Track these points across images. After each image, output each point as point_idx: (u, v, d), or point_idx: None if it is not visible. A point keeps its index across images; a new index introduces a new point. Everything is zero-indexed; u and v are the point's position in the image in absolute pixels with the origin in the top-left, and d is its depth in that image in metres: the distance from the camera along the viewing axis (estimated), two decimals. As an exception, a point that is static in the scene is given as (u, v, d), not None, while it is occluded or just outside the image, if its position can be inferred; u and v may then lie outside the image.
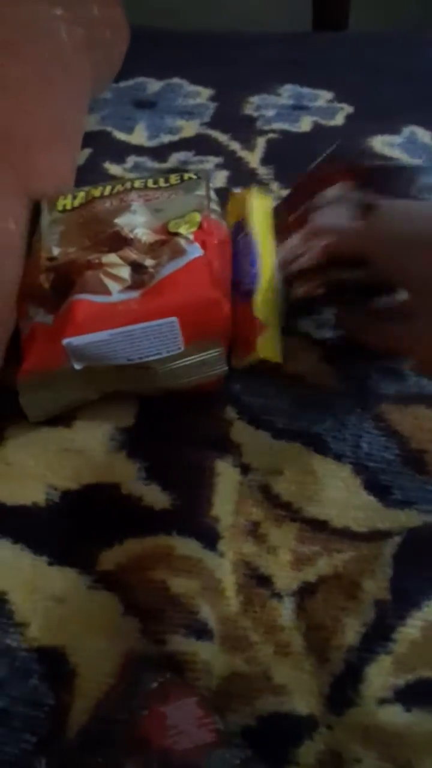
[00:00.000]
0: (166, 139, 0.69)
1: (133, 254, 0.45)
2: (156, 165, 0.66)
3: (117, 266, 0.44)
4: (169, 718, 0.30)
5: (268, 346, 0.44)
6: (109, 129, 0.71)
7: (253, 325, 0.44)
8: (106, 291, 0.42)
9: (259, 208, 0.52)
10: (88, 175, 0.62)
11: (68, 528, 0.40)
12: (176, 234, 0.46)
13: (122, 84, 0.79)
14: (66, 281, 0.45)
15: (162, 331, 0.40)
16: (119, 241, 0.47)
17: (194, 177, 0.52)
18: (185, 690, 0.32)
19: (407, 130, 0.67)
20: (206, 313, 0.41)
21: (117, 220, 0.48)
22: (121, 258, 0.45)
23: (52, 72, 0.59)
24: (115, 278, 0.43)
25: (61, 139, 0.58)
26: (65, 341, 0.40)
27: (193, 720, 0.30)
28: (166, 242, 0.46)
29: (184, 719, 0.30)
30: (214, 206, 0.51)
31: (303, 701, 0.34)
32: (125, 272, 0.44)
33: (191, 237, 0.46)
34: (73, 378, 0.41)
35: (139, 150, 0.68)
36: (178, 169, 0.62)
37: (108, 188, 0.52)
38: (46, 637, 0.36)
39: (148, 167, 0.65)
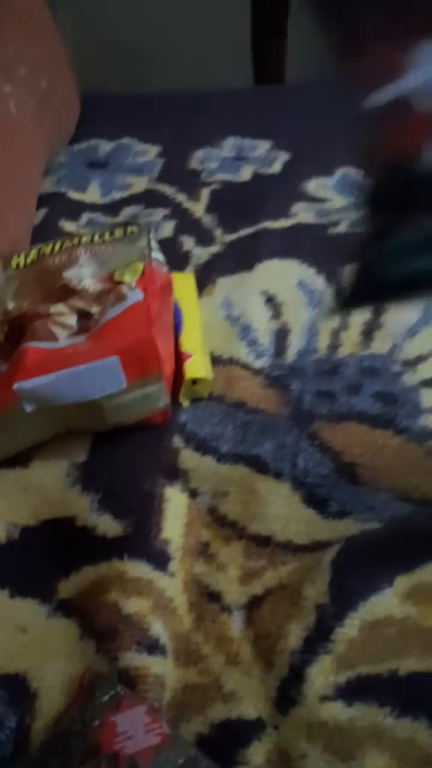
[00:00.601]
0: (118, 195, 0.74)
1: (79, 303, 0.49)
2: (109, 220, 0.70)
3: (64, 315, 0.48)
4: (119, 726, 0.32)
5: (194, 368, 0.49)
6: (63, 190, 0.75)
7: (181, 358, 0.49)
8: (54, 338, 0.46)
9: (178, 282, 0.55)
10: (44, 233, 0.66)
11: (28, 562, 0.42)
12: (120, 282, 0.50)
13: (76, 147, 0.84)
14: (19, 332, 0.48)
15: (104, 370, 0.43)
16: (68, 292, 0.50)
17: (136, 230, 0.56)
18: (135, 700, 0.34)
19: (339, 172, 0.71)
20: (143, 350, 0.44)
21: (66, 273, 0.52)
22: (68, 307, 0.48)
23: (3, 144, 0.63)
24: (63, 326, 0.47)
25: (14, 203, 0.62)
26: (16, 386, 0.43)
27: (142, 726, 0.32)
28: (112, 290, 0.50)
29: (133, 726, 0.32)
30: (156, 255, 0.54)
31: (251, 705, 0.36)
32: (72, 320, 0.47)
33: (134, 284, 0.49)
34: (26, 420, 0.44)
35: (92, 207, 0.72)
36: (126, 223, 0.66)
37: (58, 245, 0.56)
38: (9, 665, 0.38)
39: (101, 222, 0.70)
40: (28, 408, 0.44)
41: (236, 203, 0.69)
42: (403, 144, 0.14)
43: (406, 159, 0.14)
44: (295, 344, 0.53)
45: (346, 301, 0.16)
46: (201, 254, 0.63)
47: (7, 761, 0.34)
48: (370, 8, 0.17)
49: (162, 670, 0.37)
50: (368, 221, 0.14)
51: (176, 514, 0.43)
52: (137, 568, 0.40)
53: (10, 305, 0.51)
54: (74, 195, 0.74)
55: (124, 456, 0.46)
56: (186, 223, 0.68)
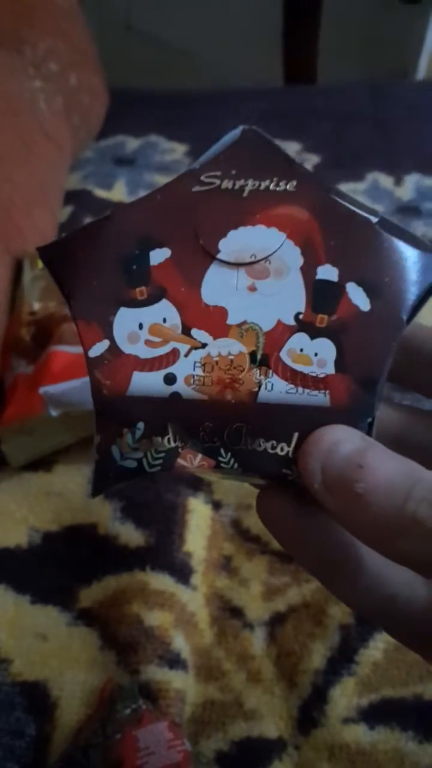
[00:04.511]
0: (144, 194, 0.73)
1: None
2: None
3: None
4: (140, 741, 0.32)
5: None
6: (90, 187, 0.75)
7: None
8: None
9: None
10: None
11: (49, 568, 0.42)
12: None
13: (102, 143, 0.84)
14: (45, 333, 0.48)
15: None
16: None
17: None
18: (157, 715, 0.34)
19: (370, 177, 0.70)
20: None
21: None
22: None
23: (33, 140, 0.63)
24: (90, 330, 0.46)
25: (42, 201, 0.62)
26: (42, 390, 0.43)
27: (164, 742, 0.32)
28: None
29: (154, 741, 0.32)
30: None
31: (273, 725, 0.36)
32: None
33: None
34: (51, 424, 0.44)
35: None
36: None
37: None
38: (30, 672, 0.38)
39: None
40: (53, 413, 0.43)
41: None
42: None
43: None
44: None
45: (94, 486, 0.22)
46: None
47: (27, 772, 0.34)
48: None
49: (183, 685, 0.37)
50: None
51: (199, 526, 0.43)
52: (160, 580, 0.40)
53: (36, 305, 0.51)
54: (100, 193, 0.74)
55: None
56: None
